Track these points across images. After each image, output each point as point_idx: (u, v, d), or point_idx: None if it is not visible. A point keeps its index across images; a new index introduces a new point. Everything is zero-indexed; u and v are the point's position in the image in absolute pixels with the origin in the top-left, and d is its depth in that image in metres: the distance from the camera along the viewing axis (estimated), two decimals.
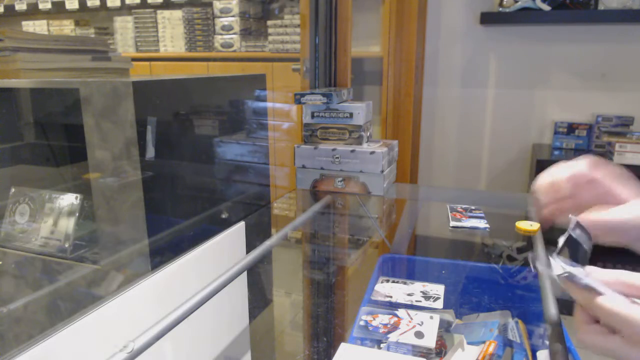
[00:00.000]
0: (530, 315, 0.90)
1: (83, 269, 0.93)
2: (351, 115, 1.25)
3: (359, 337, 0.76)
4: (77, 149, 1.04)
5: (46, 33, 3.14)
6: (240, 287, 1.06)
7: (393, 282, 0.95)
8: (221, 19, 2.72)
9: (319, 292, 1.31)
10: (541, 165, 2.06)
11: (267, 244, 0.90)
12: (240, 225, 1.03)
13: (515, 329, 0.80)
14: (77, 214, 0.98)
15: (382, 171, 1.23)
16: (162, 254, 0.88)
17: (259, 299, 1.22)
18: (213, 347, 0.94)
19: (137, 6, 2.95)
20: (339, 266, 1.37)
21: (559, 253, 0.46)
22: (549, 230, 0.77)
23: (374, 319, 0.79)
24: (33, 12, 3.21)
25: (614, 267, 0.60)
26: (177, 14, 2.86)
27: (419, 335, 0.74)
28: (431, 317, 0.79)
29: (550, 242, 0.99)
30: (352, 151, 1.25)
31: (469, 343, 0.77)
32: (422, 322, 0.78)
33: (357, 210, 1.35)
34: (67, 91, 1.04)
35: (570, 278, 0.43)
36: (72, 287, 0.94)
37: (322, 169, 1.29)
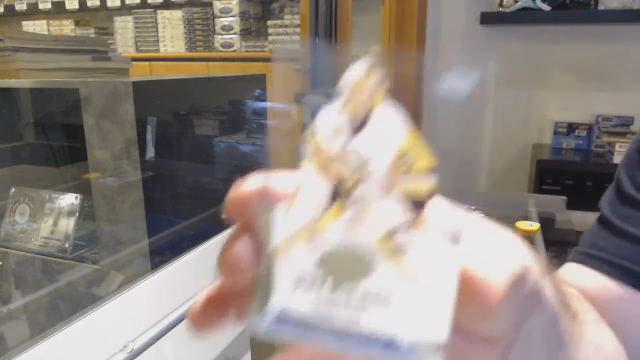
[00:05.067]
0: None
1: (83, 269, 0.93)
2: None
3: None
4: (77, 149, 1.04)
5: (46, 33, 3.14)
6: None
7: None
8: (221, 19, 2.72)
9: None
10: (541, 165, 2.06)
11: None
12: None
13: None
14: (77, 214, 0.98)
15: None
16: (162, 254, 0.88)
17: None
18: (213, 347, 0.94)
19: (137, 6, 2.95)
20: None
21: None
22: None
23: None
24: (33, 12, 3.21)
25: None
26: (177, 14, 2.86)
27: None
28: None
29: (550, 243, 0.99)
30: None
31: None
32: None
33: None
34: (67, 91, 1.04)
35: None
36: (72, 287, 0.94)
37: None
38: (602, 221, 0.47)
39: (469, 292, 0.18)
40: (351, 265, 0.18)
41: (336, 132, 0.18)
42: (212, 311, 0.21)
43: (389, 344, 0.17)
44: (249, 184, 0.19)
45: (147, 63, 2.84)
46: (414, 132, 0.18)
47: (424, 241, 0.18)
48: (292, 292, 0.18)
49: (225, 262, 0.19)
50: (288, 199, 0.18)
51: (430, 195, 0.18)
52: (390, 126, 0.18)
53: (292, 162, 0.19)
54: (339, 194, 0.18)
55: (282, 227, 0.18)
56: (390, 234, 0.18)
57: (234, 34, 2.72)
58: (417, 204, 0.17)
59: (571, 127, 2.20)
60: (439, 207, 0.18)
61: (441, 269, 0.18)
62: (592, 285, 0.44)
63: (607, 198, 0.48)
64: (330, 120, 0.18)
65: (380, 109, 0.18)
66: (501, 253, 0.20)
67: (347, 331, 0.17)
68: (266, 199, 0.19)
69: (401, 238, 0.18)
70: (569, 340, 0.28)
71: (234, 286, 0.21)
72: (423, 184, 0.18)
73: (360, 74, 0.18)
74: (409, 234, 0.18)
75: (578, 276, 0.45)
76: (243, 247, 0.19)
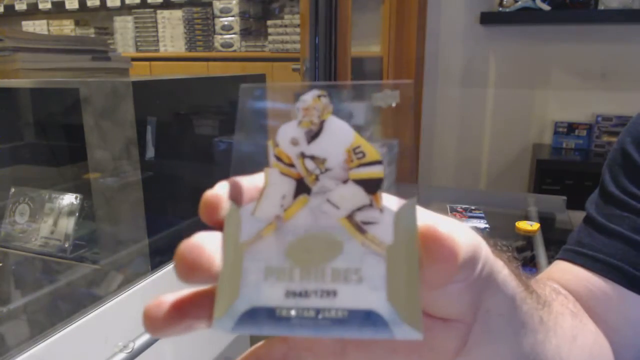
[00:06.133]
0: None
1: (83, 269, 0.93)
2: (351, 115, 1.24)
3: None
4: (77, 149, 1.05)
5: (46, 33, 3.14)
6: None
7: None
8: (221, 19, 2.72)
9: None
10: (541, 165, 2.06)
11: None
12: None
13: None
14: (77, 214, 0.98)
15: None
16: (162, 254, 0.88)
17: None
18: (213, 347, 0.94)
19: (137, 6, 2.94)
20: None
21: None
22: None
23: None
24: (33, 12, 3.21)
25: None
26: (177, 14, 2.86)
27: None
28: None
29: (550, 243, 0.99)
30: None
31: None
32: None
33: None
34: (67, 91, 1.05)
35: None
36: (72, 287, 0.94)
37: None
38: (588, 220, 0.48)
39: (434, 251, 0.19)
40: (319, 249, 0.19)
41: (295, 141, 0.20)
42: (173, 314, 0.20)
43: (365, 321, 0.18)
44: (217, 189, 0.20)
45: (147, 63, 2.84)
46: (359, 135, 0.20)
47: (383, 215, 0.19)
48: (260, 286, 0.18)
49: (184, 261, 0.19)
50: (254, 200, 0.20)
51: (381, 180, 0.20)
52: (340, 132, 0.20)
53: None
54: (302, 190, 0.20)
55: (248, 225, 0.19)
56: (352, 215, 0.19)
57: (234, 33, 2.72)
58: (371, 189, 0.20)
59: (571, 127, 2.20)
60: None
61: (404, 237, 0.19)
62: (578, 281, 0.44)
63: (592, 198, 0.49)
64: (290, 132, 0.20)
65: (330, 121, 0.20)
66: (458, 224, 0.21)
67: (322, 316, 0.18)
68: (232, 201, 0.20)
69: (362, 217, 0.19)
70: (536, 325, 0.29)
71: (194, 286, 0.20)
72: (374, 172, 0.20)
73: (311, 99, 0.20)
74: (368, 212, 0.19)
75: (564, 273, 0.45)
76: (203, 246, 0.19)
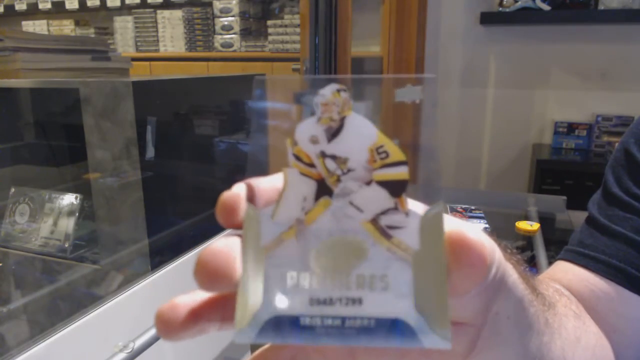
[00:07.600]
0: None
1: (83, 269, 0.93)
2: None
3: None
4: (77, 149, 1.05)
5: (46, 33, 3.14)
6: None
7: None
8: (221, 19, 2.72)
9: None
10: (541, 165, 2.06)
11: None
12: None
13: None
14: (77, 214, 0.98)
15: None
16: (162, 254, 0.88)
17: None
18: (213, 347, 0.94)
19: (137, 6, 2.94)
20: None
21: None
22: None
23: None
24: (33, 12, 3.21)
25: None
26: (177, 13, 2.86)
27: None
28: None
29: (550, 243, 0.99)
30: None
31: None
32: None
33: None
34: (67, 91, 1.05)
35: None
36: (72, 287, 0.94)
37: None
38: (590, 221, 0.47)
39: (463, 257, 0.18)
40: (343, 254, 0.18)
41: (315, 139, 0.19)
42: (188, 317, 0.19)
43: (393, 329, 0.17)
44: (234, 191, 0.19)
45: (147, 63, 2.84)
46: (382, 132, 0.19)
47: (409, 220, 0.19)
48: (283, 293, 0.18)
49: (206, 269, 0.18)
50: (273, 203, 0.19)
51: (406, 182, 0.19)
52: (362, 130, 0.19)
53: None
54: (323, 191, 0.19)
55: (268, 228, 0.19)
56: (377, 219, 0.19)
57: (234, 33, 2.71)
58: (396, 191, 0.19)
59: (571, 127, 2.20)
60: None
61: (431, 243, 0.18)
62: (579, 282, 0.44)
63: (594, 198, 0.49)
64: (309, 130, 0.19)
65: (351, 118, 0.19)
66: (475, 227, 0.21)
67: (348, 325, 0.17)
68: (251, 204, 0.19)
69: (387, 221, 0.19)
70: (542, 327, 0.29)
71: (213, 293, 0.20)
72: (398, 174, 0.19)
73: (330, 93, 0.19)
74: (393, 216, 0.19)
75: (566, 273, 0.45)
76: (225, 253, 0.18)
